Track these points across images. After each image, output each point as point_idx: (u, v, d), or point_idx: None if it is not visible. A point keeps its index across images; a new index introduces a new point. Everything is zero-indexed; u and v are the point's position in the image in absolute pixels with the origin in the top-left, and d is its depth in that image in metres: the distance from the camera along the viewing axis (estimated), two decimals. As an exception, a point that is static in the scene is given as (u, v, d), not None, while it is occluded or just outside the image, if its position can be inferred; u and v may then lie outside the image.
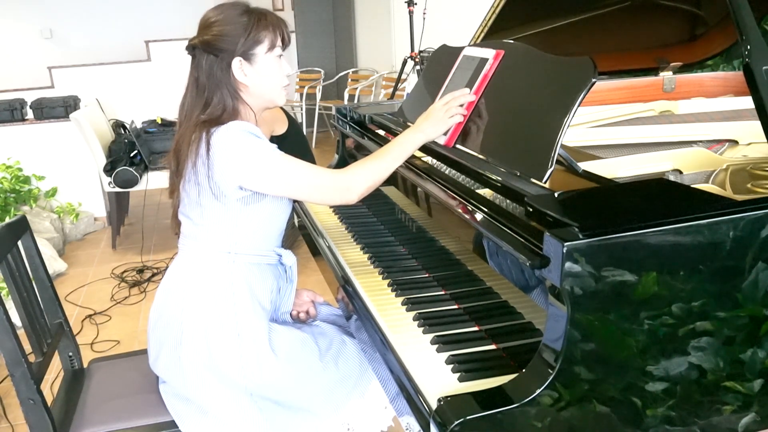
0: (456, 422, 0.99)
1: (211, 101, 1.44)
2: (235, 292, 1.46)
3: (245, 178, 1.38)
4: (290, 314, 1.64)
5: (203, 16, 1.47)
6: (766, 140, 1.23)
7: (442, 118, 1.46)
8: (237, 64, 1.43)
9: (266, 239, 1.52)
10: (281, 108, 3.28)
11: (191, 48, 1.46)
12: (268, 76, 1.47)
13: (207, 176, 1.39)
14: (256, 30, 1.43)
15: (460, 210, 1.31)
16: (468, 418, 0.99)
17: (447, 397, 1.05)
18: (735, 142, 1.68)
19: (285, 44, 1.50)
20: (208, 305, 1.45)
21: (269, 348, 1.44)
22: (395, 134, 1.91)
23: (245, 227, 1.46)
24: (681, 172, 1.49)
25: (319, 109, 7.09)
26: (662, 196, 1.17)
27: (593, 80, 1.21)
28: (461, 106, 1.46)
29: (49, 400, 1.44)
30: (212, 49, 1.42)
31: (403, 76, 5.13)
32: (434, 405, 1.06)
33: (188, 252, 1.51)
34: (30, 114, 4.77)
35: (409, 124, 1.77)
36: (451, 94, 1.49)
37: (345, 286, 1.62)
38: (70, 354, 1.72)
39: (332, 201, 1.46)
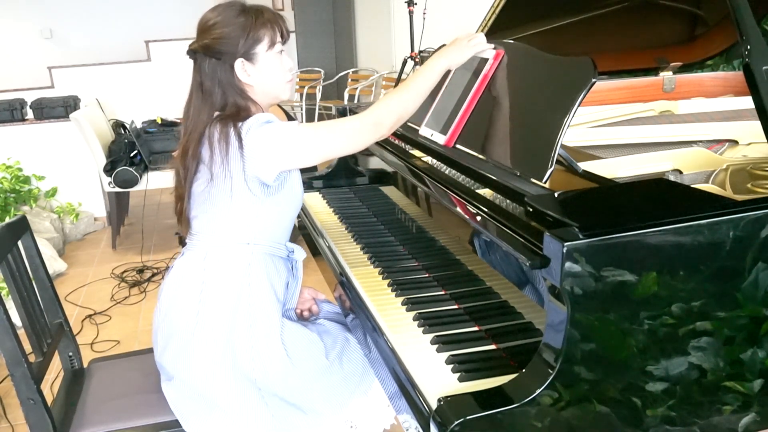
0: (456, 422, 0.99)
1: (223, 104, 1.45)
2: (251, 283, 1.47)
3: (285, 161, 1.41)
4: (294, 312, 1.64)
5: (201, 19, 1.47)
6: (766, 140, 1.23)
7: (466, 45, 1.49)
8: (239, 66, 1.44)
9: (282, 231, 1.54)
10: (281, 108, 3.29)
11: (192, 53, 1.46)
12: (271, 74, 1.48)
13: (241, 169, 1.40)
14: (255, 29, 1.44)
15: (460, 210, 1.31)
16: (468, 418, 0.99)
17: (447, 397, 1.05)
18: (735, 142, 1.68)
19: (284, 39, 1.50)
20: (224, 295, 1.45)
21: (280, 343, 1.45)
22: (395, 134, 1.92)
23: (266, 217, 1.48)
24: (681, 172, 1.49)
25: (319, 109, 7.09)
26: (662, 196, 1.17)
27: (593, 80, 1.21)
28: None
29: (49, 400, 1.44)
30: (213, 52, 1.43)
31: (403, 76, 5.13)
32: (434, 405, 1.06)
33: (202, 246, 1.50)
34: (30, 114, 4.77)
35: (410, 124, 1.77)
36: (469, 33, 1.53)
37: (344, 286, 1.62)
38: (70, 354, 1.72)
39: (367, 141, 1.46)
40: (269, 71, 1.48)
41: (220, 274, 1.47)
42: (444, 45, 1.82)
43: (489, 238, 1.19)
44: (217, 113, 1.44)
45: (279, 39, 1.48)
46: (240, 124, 1.40)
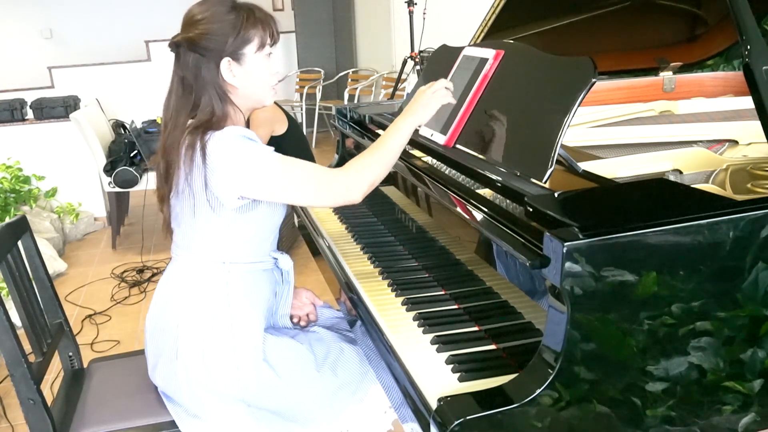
0: (456, 422, 0.99)
1: (199, 103, 1.38)
2: (231, 304, 1.43)
3: (245, 187, 1.34)
4: (290, 319, 1.62)
5: (187, 12, 1.40)
6: (766, 140, 1.23)
7: (430, 97, 1.46)
8: (225, 65, 1.37)
9: (260, 245, 1.48)
10: (281, 108, 3.27)
11: (175, 45, 1.40)
12: (258, 77, 1.41)
13: (203, 186, 1.34)
14: (245, 28, 1.37)
15: (460, 210, 1.31)
16: (468, 418, 0.99)
17: (447, 397, 1.05)
18: (735, 142, 1.69)
19: (275, 41, 1.43)
20: (204, 317, 1.42)
21: (265, 362, 1.42)
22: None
23: (239, 236, 1.42)
24: (681, 172, 1.49)
25: (319, 109, 7.09)
26: (662, 196, 1.17)
27: (593, 80, 1.21)
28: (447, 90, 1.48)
29: (49, 400, 1.44)
30: (198, 48, 1.36)
31: (403, 76, 5.13)
32: (434, 405, 1.06)
33: (182, 262, 1.47)
34: (30, 114, 4.77)
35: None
36: (431, 83, 1.50)
37: (345, 286, 1.62)
38: (70, 354, 1.72)
39: (335, 202, 1.41)
40: (256, 74, 1.40)
41: (197, 298, 1.43)
42: (443, 45, 1.83)
43: (489, 238, 1.19)
44: (190, 121, 1.38)
45: (269, 41, 1.41)
46: (208, 135, 1.33)
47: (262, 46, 1.40)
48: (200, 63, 1.37)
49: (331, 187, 1.37)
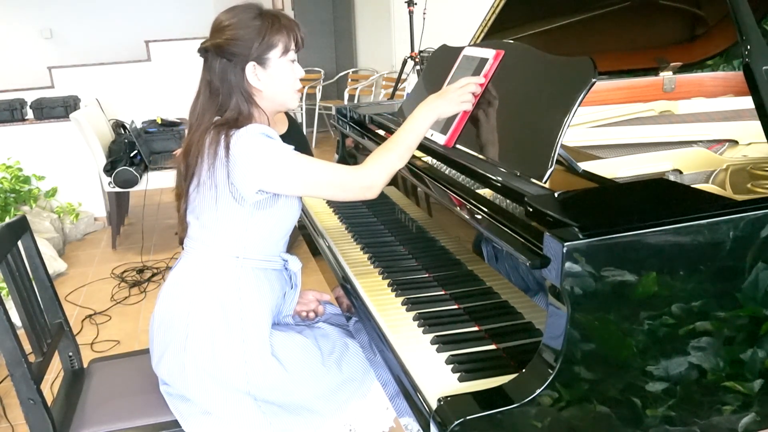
0: (456, 422, 0.99)
1: (225, 105, 1.43)
2: (242, 297, 1.45)
3: (265, 181, 1.38)
4: (298, 313, 1.64)
5: (216, 19, 1.46)
6: (766, 140, 1.23)
7: (455, 100, 1.44)
8: (251, 69, 1.43)
9: (274, 244, 1.52)
10: (281, 109, 3.27)
11: (203, 51, 1.45)
12: (282, 81, 1.47)
13: (226, 178, 1.39)
14: (270, 34, 1.42)
15: (460, 210, 1.31)
16: (468, 418, 0.99)
17: (447, 397, 1.05)
18: (735, 142, 1.69)
19: (299, 47, 1.48)
20: (214, 310, 1.44)
21: (274, 356, 1.44)
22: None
23: (255, 232, 1.46)
24: (681, 172, 1.49)
25: (319, 109, 7.09)
26: (662, 196, 1.17)
27: (593, 80, 1.21)
28: (473, 94, 1.46)
29: (49, 400, 1.44)
30: (225, 53, 1.42)
31: (403, 76, 5.14)
32: (434, 405, 1.06)
33: (195, 255, 1.50)
34: (30, 114, 4.77)
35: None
36: (467, 79, 1.47)
37: (345, 286, 1.62)
38: (70, 354, 1.72)
39: (353, 198, 1.45)
40: (280, 78, 1.46)
41: (210, 291, 1.46)
42: (443, 45, 1.83)
43: (489, 238, 1.19)
44: (217, 117, 1.43)
45: (293, 47, 1.46)
46: (233, 132, 1.38)
47: (286, 51, 1.45)
48: (227, 67, 1.43)
49: (351, 184, 1.41)
